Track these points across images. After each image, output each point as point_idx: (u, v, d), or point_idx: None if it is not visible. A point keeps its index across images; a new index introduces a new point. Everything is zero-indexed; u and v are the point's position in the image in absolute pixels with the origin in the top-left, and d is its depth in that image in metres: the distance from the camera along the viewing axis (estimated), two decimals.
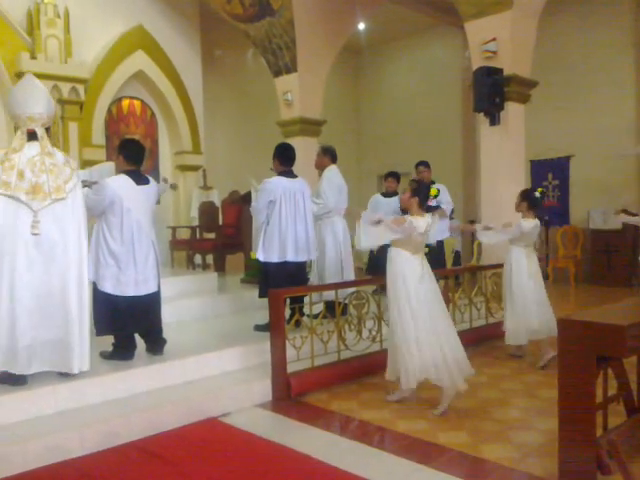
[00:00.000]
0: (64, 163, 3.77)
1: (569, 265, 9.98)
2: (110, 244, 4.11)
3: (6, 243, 3.54)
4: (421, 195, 3.97)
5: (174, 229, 8.77)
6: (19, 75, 8.22)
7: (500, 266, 6.16)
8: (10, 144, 3.76)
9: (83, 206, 3.84)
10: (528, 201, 5.15)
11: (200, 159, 10.36)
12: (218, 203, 9.40)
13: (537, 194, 5.24)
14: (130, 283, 4.15)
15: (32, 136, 3.70)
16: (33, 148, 3.68)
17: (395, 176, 7.10)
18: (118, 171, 4.31)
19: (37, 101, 3.74)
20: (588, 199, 10.17)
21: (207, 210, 9.07)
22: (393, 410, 3.92)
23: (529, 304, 5.02)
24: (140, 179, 4.24)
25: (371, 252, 6.93)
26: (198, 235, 8.66)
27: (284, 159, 5.19)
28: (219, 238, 8.18)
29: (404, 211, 4.28)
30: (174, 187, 5.98)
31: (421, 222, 3.92)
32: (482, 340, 5.69)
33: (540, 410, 3.88)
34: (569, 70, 10.27)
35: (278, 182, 5.08)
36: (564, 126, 10.29)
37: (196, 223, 9.19)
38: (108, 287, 4.10)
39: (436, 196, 4.04)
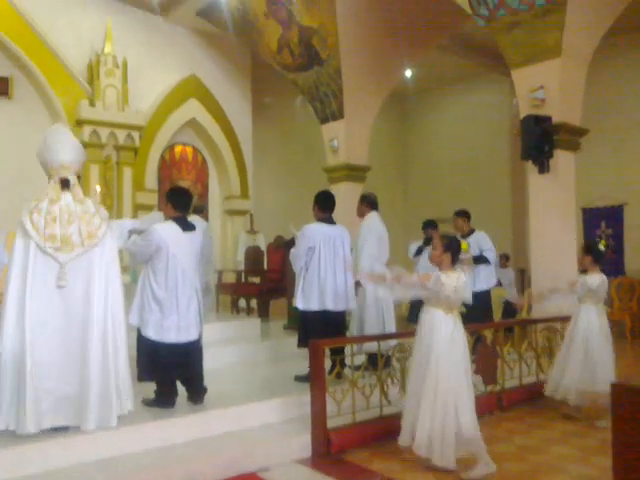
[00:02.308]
0: (94, 213, 3.78)
1: (625, 318, 9.55)
2: (155, 290, 4.16)
3: (33, 294, 3.55)
4: (453, 250, 3.85)
5: (220, 273, 8.86)
6: (79, 122, 8.67)
7: (553, 320, 5.96)
8: (43, 193, 3.80)
9: (113, 257, 3.84)
10: (592, 255, 4.94)
11: (248, 204, 10.54)
12: (264, 247, 9.48)
13: (601, 247, 5.05)
14: (172, 329, 4.16)
15: (65, 184, 3.74)
16: (65, 197, 3.72)
17: (435, 227, 7.04)
18: (166, 218, 4.40)
19: (68, 149, 3.81)
20: None
21: (253, 254, 9.14)
22: (440, 476, 3.71)
23: (591, 364, 4.75)
24: (186, 226, 4.31)
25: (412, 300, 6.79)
26: (243, 279, 8.72)
27: (324, 206, 5.20)
28: (264, 283, 8.21)
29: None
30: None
31: (452, 278, 3.76)
32: (532, 398, 5.43)
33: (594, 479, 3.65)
34: (621, 115, 10.06)
35: (317, 229, 5.08)
36: (617, 173, 10.03)
37: (242, 267, 9.27)
38: (151, 333, 4.14)
39: (466, 250, 3.94)
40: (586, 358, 4.78)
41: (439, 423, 3.62)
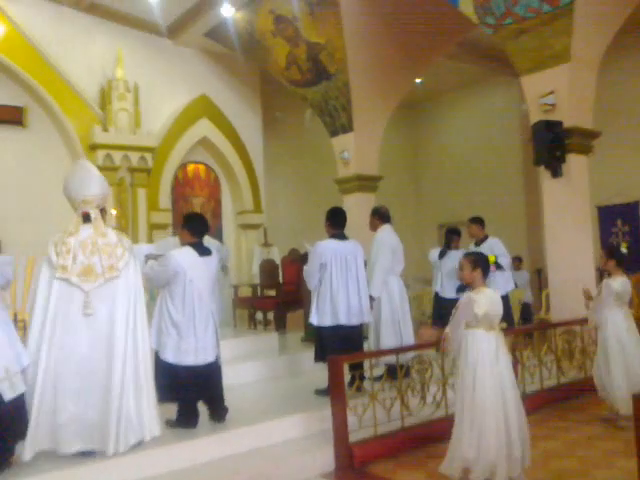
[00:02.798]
0: (116, 243, 3.89)
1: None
2: (172, 314, 4.23)
3: (58, 323, 3.67)
4: (483, 266, 3.74)
5: (236, 287, 8.94)
6: (92, 147, 8.82)
7: (572, 323, 5.93)
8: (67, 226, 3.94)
9: (137, 284, 3.93)
10: (616, 258, 4.90)
11: (261, 218, 10.63)
12: (278, 260, 9.55)
13: (623, 249, 5.03)
14: (190, 352, 4.23)
15: (86, 218, 3.86)
16: (86, 230, 3.83)
17: (456, 233, 7.01)
18: (182, 243, 4.48)
19: (91, 184, 3.92)
20: None
21: (267, 268, 9.20)
22: None
23: (630, 367, 4.70)
24: (203, 251, 4.38)
25: (436, 301, 6.80)
26: (259, 293, 8.78)
27: (335, 222, 5.25)
28: (280, 296, 8.26)
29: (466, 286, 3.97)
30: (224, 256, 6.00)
31: (485, 296, 3.63)
32: (553, 402, 5.40)
33: None
34: (635, 113, 10.01)
35: (327, 245, 5.12)
36: (631, 171, 9.96)
37: (257, 279, 9.34)
38: (169, 356, 4.20)
39: (495, 263, 3.91)
40: (626, 362, 4.71)
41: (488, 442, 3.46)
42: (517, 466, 3.45)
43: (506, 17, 6.75)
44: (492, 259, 3.85)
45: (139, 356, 3.82)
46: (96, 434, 3.68)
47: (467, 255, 3.97)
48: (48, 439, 3.61)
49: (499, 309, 3.73)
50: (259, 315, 8.56)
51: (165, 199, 9.59)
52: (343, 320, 4.99)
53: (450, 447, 3.60)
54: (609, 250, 5.01)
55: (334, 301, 4.99)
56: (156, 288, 4.37)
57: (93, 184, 3.94)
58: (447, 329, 3.79)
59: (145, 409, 3.79)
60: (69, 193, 3.93)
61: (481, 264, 3.75)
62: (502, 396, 3.55)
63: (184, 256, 4.27)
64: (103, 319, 3.75)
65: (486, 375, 3.56)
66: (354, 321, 5.07)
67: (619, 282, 4.80)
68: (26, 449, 3.54)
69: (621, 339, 4.76)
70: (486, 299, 3.63)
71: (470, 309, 3.62)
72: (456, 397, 3.73)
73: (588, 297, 4.96)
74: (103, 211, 4.04)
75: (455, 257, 6.60)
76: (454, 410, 3.71)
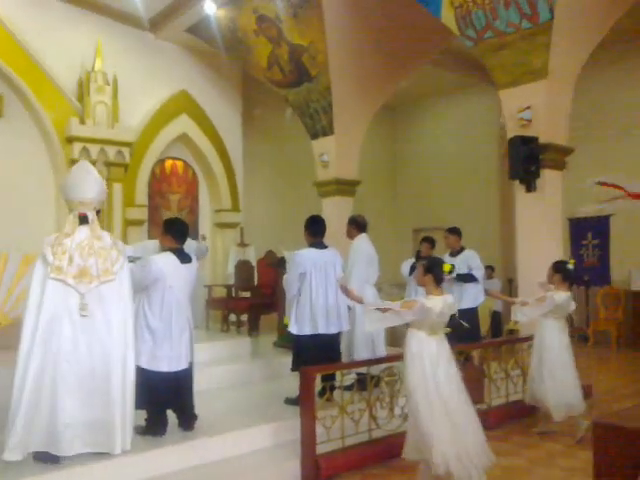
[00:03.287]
0: (111, 246, 3.93)
1: (610, 328, 9.69)
2: (149, 320, 4.22)
3: (55, 324, 3.68)
4: (435, 272, 3.89)
5: (210, 287, 8.91)
6: (69, 139, 8.69)
7: None
8: (60, 224, 3.96)
9: (130, 286, 3.98)
10: (561, 273, 5.12)
11: (238, 217, 10.60)
12: (254, 259, 9.54)
13: (570, 266, 5.19)
14: (164, 358, 4.23)
15: (83, 220, 3.88)
16: (83, 232, 3.85)
17: (430, 241, 7.07)
18: (162, 248, 4.47)
19: (89, 187, 3.94)
20: (629, 259, 9.92)
21: (243, 268, 9.19)
22: None
23: (564, 378, 4.97)
24: (184, 257, 4.38)
25: None
26: (234, 294, 8.77)
27: (314, 231, 5.28)
28: (254, 298, 8.26)
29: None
30: (203, 237, 6.08)
31: (437, 301, 3.82)
32: (519, 416, 5.52)
33: None
34: (608, 128, 10.21)
35: (307, 254, 5.15)
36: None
37: (232, 279, 9.32)
38: (143, 362, 4.18)
39: (451, 272, 3.99)
40: (554, 372, 4.97)
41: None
42: (475, 469, 3.61)
43: (486, 31, 6.83)
44: (447, 268, 3.96)
45: (132, 361, 3.91)
46: (98, 436, 3.72)
47: (423, 258, 4.11)
48: (44, 441, 3.61)
49: (446, 317, 3.91)
50: (232, 317, 8.55)
51: (141, 195, 9.50)
52: (322, 329, 5.04)
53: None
54: (556, 265, 5.20)
55: (313, 310, 5.03)
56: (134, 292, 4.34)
57: (92, 186, 3.96)
58: (386, 305, 3.91)
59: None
60: (67, 194, 3.94)
61: (433, 270, 3.91)
62: (440, 399, 3.72)
63: (166, 262, 4.26)
64: (99, 321, 3.78)
65: (428, 373, 3.76)
66: (333, 330, 5.13)
67: (562, 296, 5.01)
68: (13, 450, 3.53)
69: (554, 350, 5.00)
70: (438, 305, 3.80)
71: (422, 313, 3.76)
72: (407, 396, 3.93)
73: (522, 303, 5.15)
74: (98, 213, 4.05)
75: None
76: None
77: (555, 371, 4.99)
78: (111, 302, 3.84)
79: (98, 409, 3.73)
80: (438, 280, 3.92)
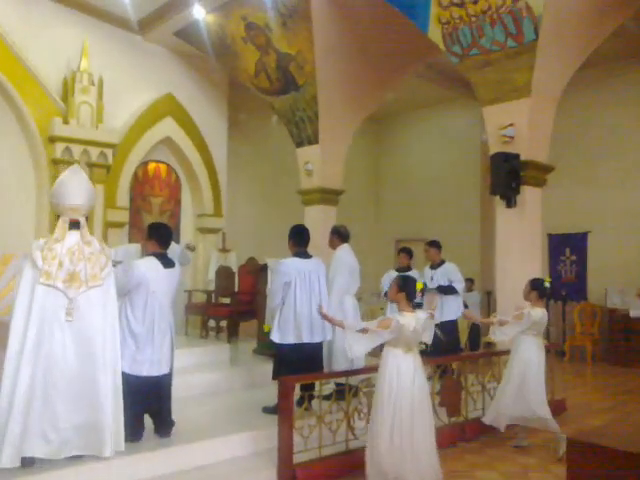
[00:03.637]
0: (100, 251, 3.94)
1: (586, 343, 9.84)
2: (132, 324, 4.22)
3: (45, 328, 3.68)
4: (408, 290, 3.99)
5: (190, 292, 8.86)
6: (52, 139, 8.60)
7: None
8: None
9: (115, 292, 3.99)
10: (538, 291, 5.20)
11: (221, 222, 10.56)
12: (236, 265, 9.50)
13: (546, 284, 5.28)
14: (145, 363, 4.24)
15: (74, 225, 3.89)
16: (73, 237, 3.86)
17: (407, 252, 7.16)
18: (145, 253, 4.46)
19: (81, 193, 3.96)
20: (606, 276, 10.10)
21: (224, 274, 9.15)
22: None
23: (526, 393, 5.04)
24: (167, 262, 4.38)
25: None
26: (214, 299, 8.72)
27: (298, 241, 5.30)
28: (234, 304, 8.23)
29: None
30: (192, 248, 6.13)
31: (410, 319, 3.90)
32: (493, 429, 5.57)
33: None
34: (588, 146, 10.42)
35: (292, 264, 5.17)
36: (582, 202, 10.37)
37: (213, 285, 9.28)
38: (125, 366, 4.16)
39: (422, 290, 4.08)
40: (522, 386, 5.05)
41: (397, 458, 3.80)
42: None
43: (472, 48, 6.94)
44: (420, 286, 4.06)
45: (119, 364, 3.94)
46: (87, 439, 3.73)
47: (397, 277, 4.25)
48: (39, 445, 3.60)
49: (422, 334, 4.01)
50: (212, 322, 8.50)
51: (123, 197, 9.42)
52: (306, 338, 5.06)
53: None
54: (532, 282, 5.30)
55: (298, 320, 5.04)
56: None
57: (84, 193, 3.98)
58: (364, 326, 3.99)
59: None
60: (58, 199, 3.93)
61: (407, 288, 4.02)
62: (406, 417, 3.81)
63: (149, 267, 4.27)
64: (86, 325, 3.79)
65: (399, 389, 3.83)
66: (317, 339, 5.15)
67: (539, 313, 5.10)
68: (8, 455, 3.50)
69: (527, 368, 5.07)
70: (412, 322, 3.89)
71: (397, 331, 3.84)
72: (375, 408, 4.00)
73: (500, 322, 5.18)
74: (86, 219, 4.05)
75: None
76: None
77: (520, 384, 5.07)
78: (98, 307, 3.85)
79: (87, 412, 3.73)
80: (410, 297, 4.02)
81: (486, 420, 5.28)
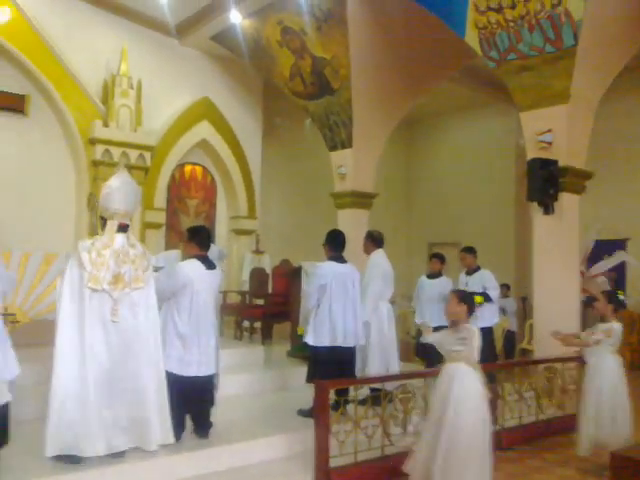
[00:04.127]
0: (143, 254, 4.06)
1: (624, 352, 9.59)
2: (178, 325, 4.31)
3: (87, 328, 3.79)
4: (468, 303, 3.86)
5: (225, 293, 8.96)
6: (92, 141, 8.81)
7: (554, 360, 6.03)
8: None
9: (154, 294, 4.10)
10: (614, 304, 5.02)
11: (254, 224, 10.67)
12: (269, 267, 9.59)
13: (621, 297, 5.17)
14: (193, 363, 4.33)
15: (121, 229, 4.01)
16: (120, 239, 3.98)
17: (439, 257, 7.10)
18: (187, 256, 4.55)
19: (131, 199, 4.09)
20: None
21: (258, 276, 9.24)
22: None
23: (613, 413, 4.73)
24: (209, 264, 4.48)
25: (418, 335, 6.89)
26: (248, 301, 8.81)
27: (335, 245, 5.34)
28: (268, 306, 8.30)
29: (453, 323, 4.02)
30: (224, 256, 6.22)
31: (475, 332, 3.81)
32: (532, 438, 5.51)
33: None
34: (628, 152, 10.22)
35: (329, 267, 5.22)
36: (621, 209, 10.17)
37: (247, 286, 9.37)
38: (173, 367, 4.26)
39: (481, 303, 4.01)
40: (613, 408, 4.74)
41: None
42: None
43: (509, 53, 6.86)
44: (479, 300, 3.97)
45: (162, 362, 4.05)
46: (133, 435, 3.85)
47: (456, 291, 4.13)
48: (87, 443, 3.70)
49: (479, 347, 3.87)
50: (246, 323, 8.58)
51: (160, 199, 9.61)
52: (340, 341, 5.10)
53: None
54: (608, 296, 5.09)
55: (333, 322, 5.08)
56: (160, 300, 4.42)
57: (132, 200, 4.11)
58: (436, 338, 3.95)
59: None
60: (108, 203, 4.02)
61: (467, 300, 3.89)
62: (483, 432, 3.67)
63: (192, 268, 4.38)
64: (129, 326, 3.90)
65: (470, 410, 3.68)
66: (350, 342, 5.18)
67: (620, 327, 4.93)
68: (51, 447, 3.65)
69: (614, 387, 4.78)
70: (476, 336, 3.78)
71: (469, 337, 3.75)
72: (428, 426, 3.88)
73: (596, 342, 4.87)
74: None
75: (433, 285, 6.69)
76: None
77: (603, 405, 4.74)
78: (141, 308, 3.96)
79: (133, 408, 3.85)
80: (471, 311, 3.88)
81: (579, 452, 4.80)
